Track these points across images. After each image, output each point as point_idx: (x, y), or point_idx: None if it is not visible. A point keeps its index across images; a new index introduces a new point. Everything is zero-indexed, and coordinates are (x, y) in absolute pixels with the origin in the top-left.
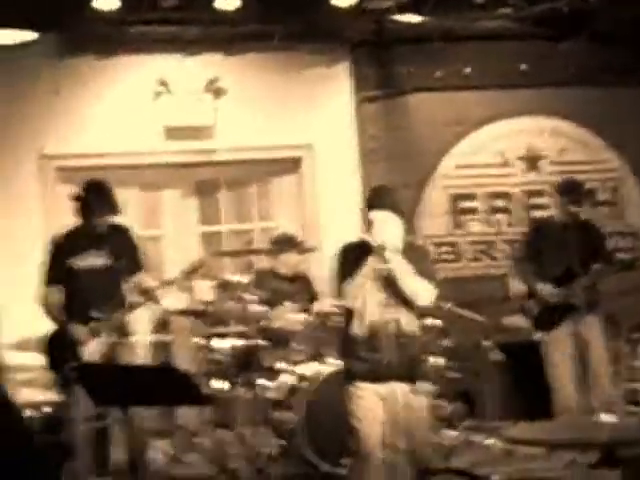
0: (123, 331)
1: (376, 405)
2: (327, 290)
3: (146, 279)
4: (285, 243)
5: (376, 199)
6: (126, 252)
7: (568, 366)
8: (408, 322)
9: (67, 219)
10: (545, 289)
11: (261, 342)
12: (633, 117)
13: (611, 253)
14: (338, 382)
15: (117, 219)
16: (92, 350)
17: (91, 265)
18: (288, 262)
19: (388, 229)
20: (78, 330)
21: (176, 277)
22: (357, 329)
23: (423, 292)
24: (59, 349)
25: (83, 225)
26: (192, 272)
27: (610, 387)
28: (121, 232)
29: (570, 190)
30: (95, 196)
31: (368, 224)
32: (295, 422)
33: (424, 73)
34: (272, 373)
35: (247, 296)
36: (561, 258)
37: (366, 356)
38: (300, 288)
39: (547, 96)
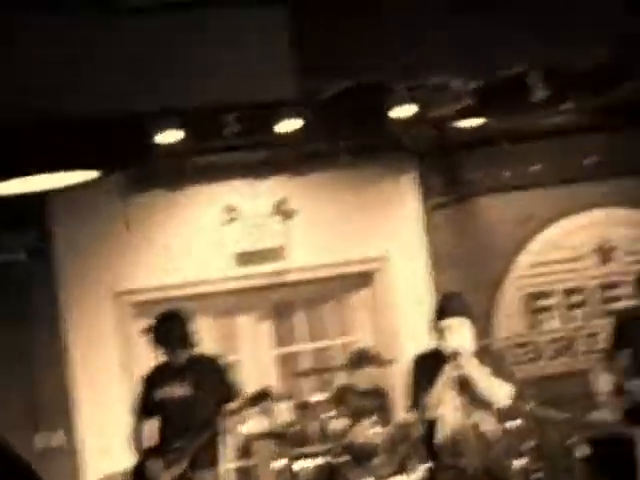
0: (201, 460)
1: None
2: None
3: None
4: (362, 358)
5: (446, 305)
6: (210, 382)
7: None
8: (489, 425)
9: (144, 353)
10: (637, 384)
11: (344, 459)
12: None
13: None
14: None
15: (198, 349)
16: None
17: (171, 397)
18: (366, 377)
19: (460, 334)
20: (153, 464)
21: (237, 406)
22: (439, 437)
23: (500, 394)
24: None
25: (166, 357)
26: (255, 400)
27: None
28: (204, 362)
29: None
30: (166, 329)
31: (440, 331)
32: None
33: (491, 175)
34: None
35: (327, 414)
36: None
37: (451, 463)
38: (379, 402)
39: (616, 187)
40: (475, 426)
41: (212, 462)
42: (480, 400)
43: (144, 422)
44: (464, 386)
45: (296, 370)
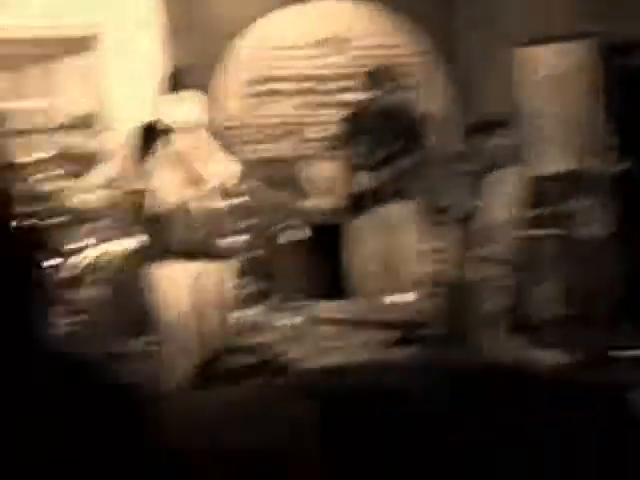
0: None
1: (181, 284)
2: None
3: None
4: (80, 121)
5: (177, 79)
6: None
7: (371, 249)
8: (210, 200)
9: None
10: (358, 176)
11: (54, 221)
12: None
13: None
14: (138, 261)
15: None
16: None
17: None
18: (84, 141)
19: (189, 108)
20: None
21: None
22: (158, 209)
23: (227, 171)
24: None
25: None
26: None
27: (416, 269)
28: None
29: (381, 76)
30: None
31: (170, 102)
32: (92, 300)
33: None
34: (66, 253)
35: (40, 176)
36: (377, 145)
37: (169, 235)
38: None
39: None
40: (195, 200)
41: None
42: (200, 176)
43: None
44: (186, 161)
45: (7, 128)
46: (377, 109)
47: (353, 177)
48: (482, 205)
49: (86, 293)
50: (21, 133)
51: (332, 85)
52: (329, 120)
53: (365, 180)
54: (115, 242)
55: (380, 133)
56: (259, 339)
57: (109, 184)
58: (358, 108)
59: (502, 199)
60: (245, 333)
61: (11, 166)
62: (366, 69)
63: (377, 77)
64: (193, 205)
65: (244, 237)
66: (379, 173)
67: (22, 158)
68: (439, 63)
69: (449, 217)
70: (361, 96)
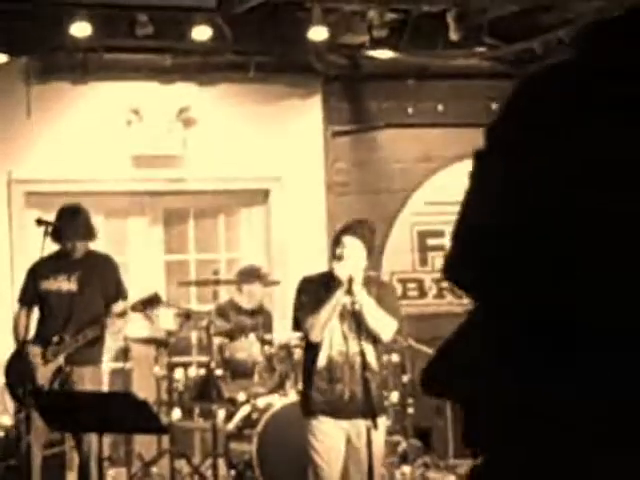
0: (81, 357)
1: (339, 440)
2: (290, 322)
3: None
4: (250, 275)
5: (349, 232)
6: (101, 280)
7: None
8: (371, 356)
9: (33, 243)
10: None
11: (221, 373)
12: None
13: None
14: (296, 414)
15: (94, 246)
16: (44, 374)
17: (57, 289)
18: (251, 294)
19: (356, 263)
20: (35, 353)
21: (125, 308)
22: (320, 362)
23: (386, 327)
24: (17, 372)
25: (60, 250)
26: (145, 304)
27: None
28: (98, 259)
29: None
30: (68, 221)
31: (336, 257)
32: (250, 454)
33: (396, 109)
34: (231, 404)
35: (209, 327)
36: None
37: (327, 389)
38: (261, 321)
39: None
40: (357, 355)
41: (93, 360)
42: (365, 330)
43: (27, 312)
44: (352, 315)
45: (183, 279)
46: None
47: None
48: None
49: (243, 447)
50: (201, 283)
51: None
52: None
53: None
54: (273, 397)
55: None
56: None
57: (267, 339)
58: None
59: None
60: None
61: (188, 314)
62: None
63: None
64: (358, 359)
65: (397, 395)
66: None
67: (196, 308)
68: None
69: None
70: None
